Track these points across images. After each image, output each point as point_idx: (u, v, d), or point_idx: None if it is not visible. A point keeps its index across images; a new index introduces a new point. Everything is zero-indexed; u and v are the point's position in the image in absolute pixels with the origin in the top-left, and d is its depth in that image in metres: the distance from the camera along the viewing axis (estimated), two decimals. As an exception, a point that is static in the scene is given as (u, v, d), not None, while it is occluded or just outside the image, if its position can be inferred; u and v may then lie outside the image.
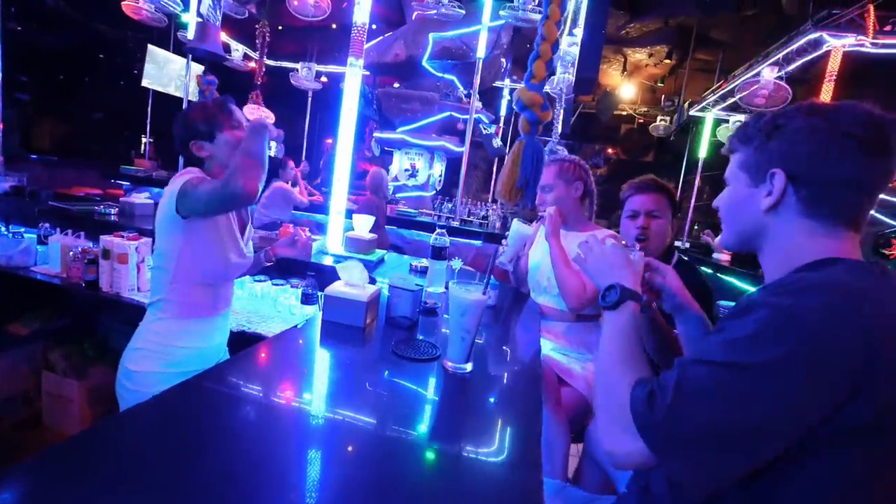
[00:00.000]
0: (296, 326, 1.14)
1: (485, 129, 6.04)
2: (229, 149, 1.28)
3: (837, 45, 4.29)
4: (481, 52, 4.55)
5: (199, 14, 3.65)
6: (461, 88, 6.25)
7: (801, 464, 0.58)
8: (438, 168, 6.39)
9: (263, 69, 5.90)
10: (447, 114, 5.99)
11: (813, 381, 0.53)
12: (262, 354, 0.99)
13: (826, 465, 0.57)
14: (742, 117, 6.88)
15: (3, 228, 2.32)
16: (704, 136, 7.74)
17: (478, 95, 5.98)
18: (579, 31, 5.01)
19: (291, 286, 1.99)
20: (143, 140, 6.78)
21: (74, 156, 7.71)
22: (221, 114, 1.31)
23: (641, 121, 11.28)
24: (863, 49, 4.35)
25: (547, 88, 6.87)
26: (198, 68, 6.34)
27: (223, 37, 7.03)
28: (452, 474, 0.68)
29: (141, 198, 2.74)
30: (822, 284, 0.59)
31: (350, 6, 2.17)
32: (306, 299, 1.88)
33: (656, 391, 0.61)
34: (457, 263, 1.47)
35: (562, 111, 6.54)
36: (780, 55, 4.78)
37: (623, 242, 0.95)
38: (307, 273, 1.88)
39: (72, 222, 2.46)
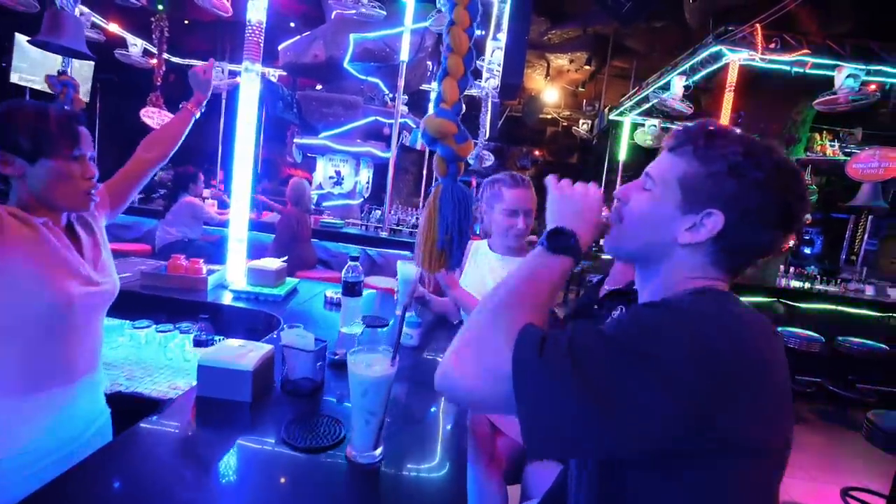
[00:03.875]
0: (156, 413, 0.90)
1: (405, 137, 5.87)
2: (52, 182, 0.93)
3: (735, 58, 4.64)
4: (405, 55, 4.38)
5: (52, 2, 3.08)
6: (386, 92, 6.03)
7: (660, 473, 0.56)
8: (365, 174, 6.11)
9: (164, 68, 5.27)
10: (372, 118, 5.74)
11: (690, 384, 0.51)
12: (98, 471, 0.75)
13: (685, 480, 0.55)
14: (656, 122, 7.32)
15: None
16: (623, 139, 8.18)
17: (405, 98, 5.81)
18: (503, 37, 5.02)
19: (181, 332, 1.68)
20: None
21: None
22: (61, 133, 0.94)
23: (565, 124, 11.72)
24: (754, 63, 4.76)
25: (474, 92, 6.88)
26: (86, 63, 5.53)
27: (116, 29, 6.24)
28: None
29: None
30: (717, 303, 0.59)
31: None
32: (199, 346, 1.60)
33: (549, 339, 0.55)
34: (357, 328, 1.27)
35: (489, 115, 6.56)
36: (687, 65, 5.10)
37: None
38: (199, 315, 1.59)
39: None
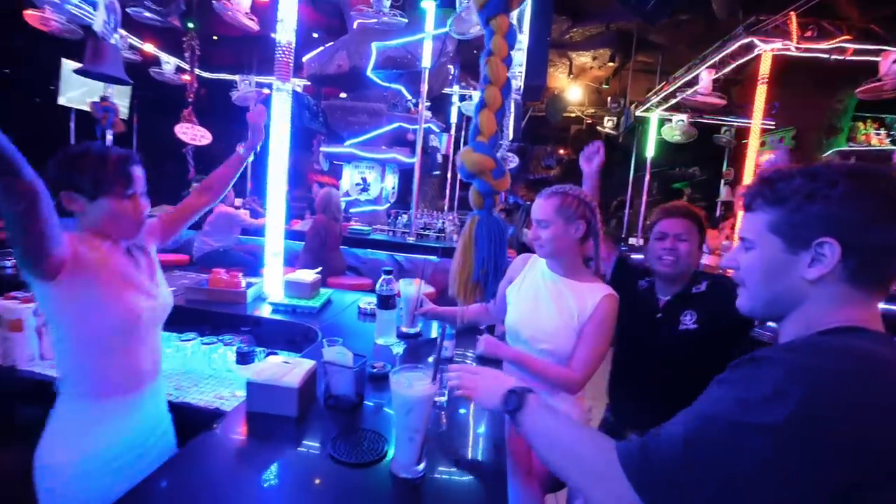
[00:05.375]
0: (213, 428, 0.95)
1: (434, 140, 5.90)
2: (109, 219, 1.04)
3: (767, 49, 4.47)
4: (426, 61, 4.42)
5: (93, 31, 3.25)
6: (409, 98, 6.09)
7: None
8: (391, 180, 6.19)
9: (195, 85, 5.48)
10: (396, 125, 5.81)
11: (806, 456, 0.49)
12: (164, 482, 0.79)
13: None
14: (684, 117, 7.13)
15: None
16: (651, 135, 7.98)
17: (428, 104, 5.85)
18: (525, 38, 4.99)
19: (224, 344, 1.75)
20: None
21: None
22: (118, 174, 1.04)
23: (590, 122, 11.54)
24: (788, 53, 4.58)
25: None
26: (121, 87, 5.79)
27: (151, 49, 6.54)
28: None
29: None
30: (840, 348, 0.57)
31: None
32: (242, 359, 1.66)
33: (649, 443, 0.59)
34: (399, 347, 1.29)
35: (512, 117, 6.53)
36: (717, 58, 4.95)
37: None
38: (241, 328, 1.66)
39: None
